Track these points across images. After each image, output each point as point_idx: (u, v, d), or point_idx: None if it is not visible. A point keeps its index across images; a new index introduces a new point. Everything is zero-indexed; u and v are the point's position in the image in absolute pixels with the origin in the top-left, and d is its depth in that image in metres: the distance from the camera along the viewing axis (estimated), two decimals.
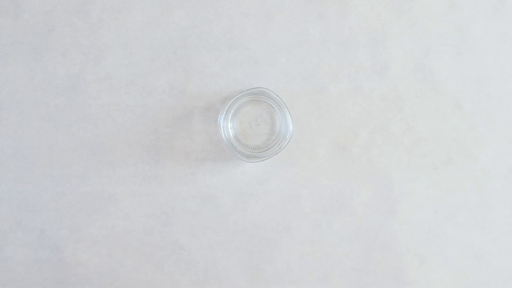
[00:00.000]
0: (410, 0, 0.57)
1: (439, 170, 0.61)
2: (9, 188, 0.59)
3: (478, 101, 0.60)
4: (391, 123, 0.60)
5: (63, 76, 0.57)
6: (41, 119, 0.58)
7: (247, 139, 0.58)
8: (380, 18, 0.58)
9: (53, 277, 0.61)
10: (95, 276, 0.62)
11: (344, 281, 0.63)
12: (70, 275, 0.62)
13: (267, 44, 0.58)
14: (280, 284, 0.63)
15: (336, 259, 0.63)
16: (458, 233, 0.62)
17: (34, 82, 0.57)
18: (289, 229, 0.62)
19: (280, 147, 0.58)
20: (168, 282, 0.62)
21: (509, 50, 0.59)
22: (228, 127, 0.57)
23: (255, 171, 0.60)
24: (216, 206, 0.61)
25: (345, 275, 0.63)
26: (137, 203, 0.60)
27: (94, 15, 0.56)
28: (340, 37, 0.58)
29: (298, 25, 0.57)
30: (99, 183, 0.59)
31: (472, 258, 0.63)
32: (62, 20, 0.56)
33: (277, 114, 0.58)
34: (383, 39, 0.58)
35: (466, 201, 0.62)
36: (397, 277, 0.63)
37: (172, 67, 0.58)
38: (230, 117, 0.58)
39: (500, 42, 0.59)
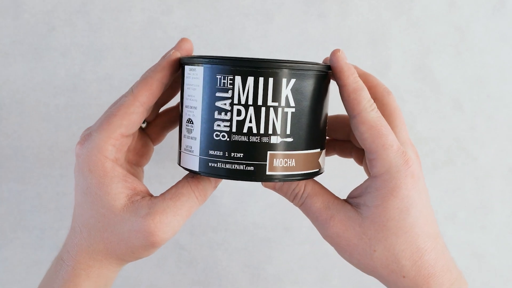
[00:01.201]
0: (410, 0, 0.58)
1: (439, 170, 0.61)
2: (9, 188, 0.59)
3: (478, 101, 0.60)
4: None
5: (63, 76, 0.57)
6: (41, 119, 0.58)
7: None
8: (380, 18, 0.58)
9: None
10: None
11: (344, 281, 0.63)
12: None
13: (267, 44, 0.58)
14: (280, 284, 0.63)
15: (336, 259, 0.63)
16: (458, 233, 0.63)
17: (34, 82, 0.57)
18: (289, 229, 0.62)
19: None
20: (168, 282, 0.63)
21: (509, 50, 0.59)
22: None
23: None
24: (216, 206, 0.61)
25: (345, 275, 0.63)
26: None
27: (94, 15, 0.56)
28: (340, 37, 0.58)
29: (298, 25, 0.57)
30: None
31: (472, 258, 0.63)
32: (62, 20, 0.56)
33: None
34: (383, 39, 0.58)
35: (466, 201, 0.62)
36: None
37: None
38: None
39: (500, 42, 0.59)
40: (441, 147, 0.61)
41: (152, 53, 0.58)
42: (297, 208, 0.61)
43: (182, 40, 0.41)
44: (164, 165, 0.59)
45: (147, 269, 0.62)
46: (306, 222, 0.62)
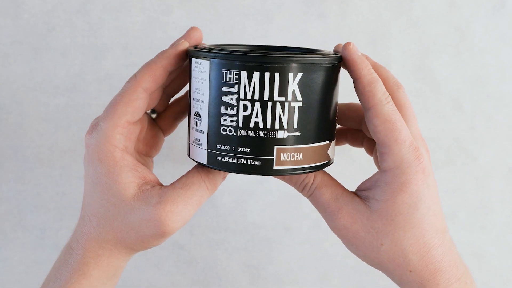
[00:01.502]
0: (410, 0, 0.58)
1: (439, 170, 0.61)
2: (9, 188, 0.59)
3: (478, 101, 0.60)
4: None
5: (63, 76, 0.57)
6: (41, 119, 0.58)
7: None
8: (380, 18, 0.58)
9: None
10: None
11: (344, 281, 0.63)
12: None
13: (267, 44, 0.58)
14: (280, 284, 0.63)
15: (336, 259, 0.63)
16: (458, 233, 0.62)
17: (34, 82, 0.57)
18: (289, 229, 0.62)
19: None
20: (168, 282, 0.63)
21: (509, 50, 0.59)
22: None
23: None
24: (216, 206, 0.61)
25: (345, 275, 0.63)
26: None
27: (94, 15, 0.56)
28: (340, 37, 0.58)
29: (298, 25, 0.57)
30: None
31: (472, 258, 0.63)
32: (62, 20, 0.56)
33: None
34: (383, 39, 0.58)
35: (466, 201, 0.62)
36: None
37: None
38: None
39: (500, 42, 0.59)
40: (441, 147, 0.61)
41: (152, 53, 0.58)
42: (296, 209, 0.61)
43: (192, 29, 0.41)
44: (164, 165, 0.59)
45: (147, 269, 0.62)
46: (306, 222, 0.62)
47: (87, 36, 0.57)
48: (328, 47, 0.58)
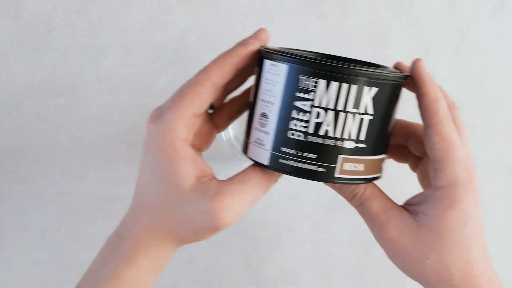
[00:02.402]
0: (410, 0, 0.58)
1: None
2: (9, 188, 0.59)
3: (478, 101, 0.60)
4: None
5: (63, 76, 0.57)
6: (41, 119, 0.58)
7: None
8: (380, 18, 0.58)
9: (53, 277, 0.61)
10: None
11: (344, 281, 0.63)
12: (70, 275, 0.61)
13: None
14: (280, 284, 0.63)
15: (336, 259, 0.63)
16: None
17: (34, 82, 0.57)
18: (289, 229, 0.62)
19: None
20: (169, 281, 0.62)
21: (509, 50, 0.59)
22: (228, 127, 0.57)
23: None
24: None
25: (345, 275, 0.63)
26: None
27: (94, 15, 0.56)
28: (340, 37, 0.58)
29: (298, 25, 0.57)
30: (99, 183, 0.59)
31: None
32: (62, 20, 0.56)
33: None
34: (383, 39, 0.58)
35: None
36: (397, 277, 0.63)
37: (172, 67, 0.58)
38: None
39: (500, 42, 0.59)
40: None
41: (152, 53, 0.58)
42: (297, 208, 0.61)
43: (261, 31, 0.41)
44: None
45: None
46: (307, 222, 0.62)
47: (87, 36, 0.57)
48: (328, 47, 0.58)
